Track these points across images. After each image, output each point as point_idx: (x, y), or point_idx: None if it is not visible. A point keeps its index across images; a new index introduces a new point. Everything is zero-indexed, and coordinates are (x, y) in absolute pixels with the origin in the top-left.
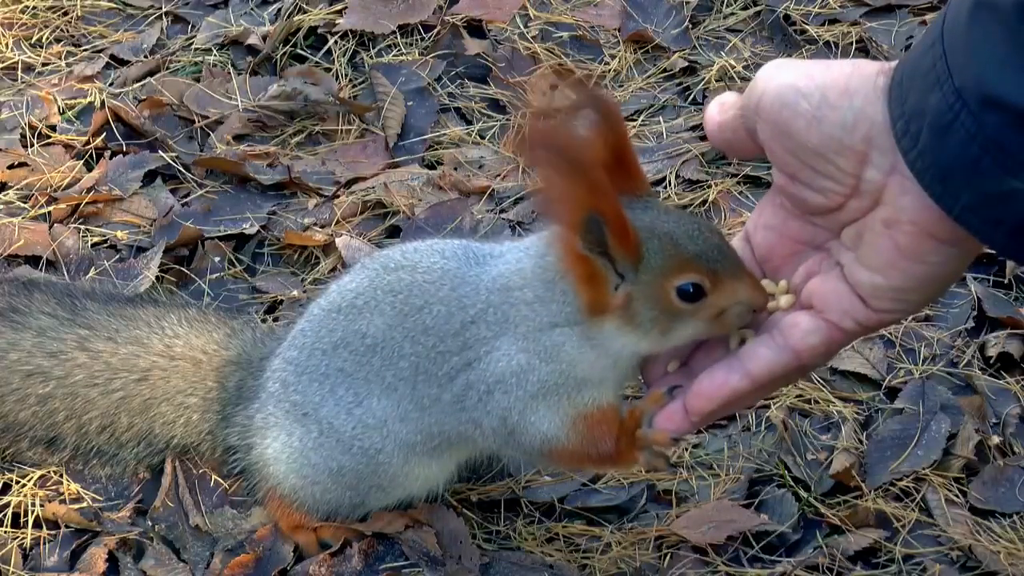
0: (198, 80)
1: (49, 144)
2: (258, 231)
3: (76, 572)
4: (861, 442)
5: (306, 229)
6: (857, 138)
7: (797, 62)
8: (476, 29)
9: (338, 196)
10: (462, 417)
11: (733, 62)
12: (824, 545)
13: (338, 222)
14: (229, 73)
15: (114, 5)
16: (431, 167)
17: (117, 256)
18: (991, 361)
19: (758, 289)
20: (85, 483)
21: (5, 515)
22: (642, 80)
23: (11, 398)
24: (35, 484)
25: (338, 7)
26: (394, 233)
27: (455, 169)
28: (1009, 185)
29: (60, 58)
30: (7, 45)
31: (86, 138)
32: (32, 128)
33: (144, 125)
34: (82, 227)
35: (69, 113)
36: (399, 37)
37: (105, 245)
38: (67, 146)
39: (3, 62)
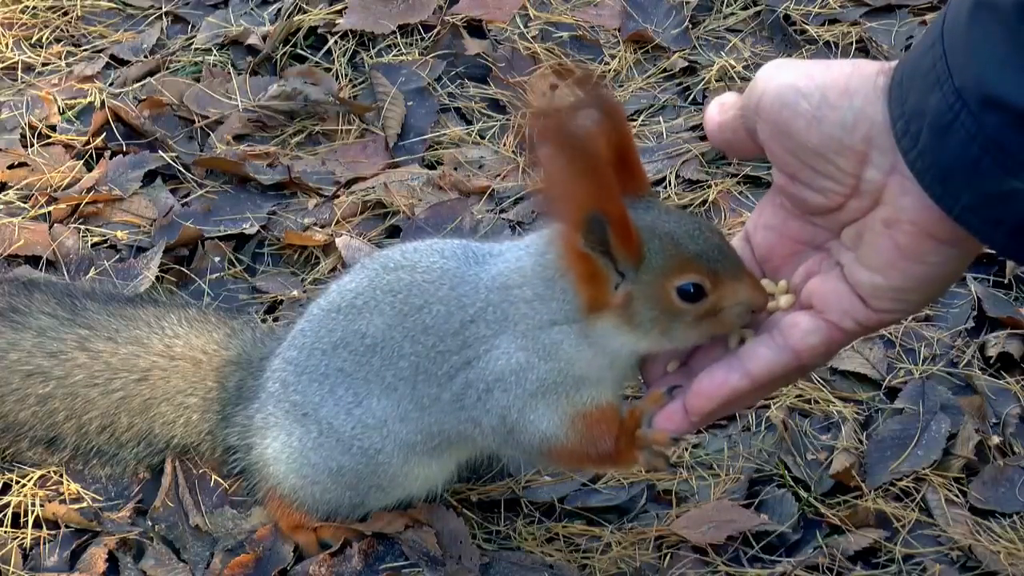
0: (198, 80)
1: (49, 144)
2: (258, 231)
3: (76, 572)
4: (861, 442)
5: (306, 229)
6: (857, 138)
7: (797, 62)
8: (476, 29)
9: (338, 196)
10: (461, 416)
11: (733, 62)
12: (824, 545)
13: (338, 222)
14: (229, 73)
15: (114, 5)
16: (431, 167)
17: (117, 256)
18: (991, 361)
19: (758, 290)
20: (85, 483)
21: (5, 515)
22: (642, 80)
23: (11, 398)
24: (35, 484)
25: (338, 7)
26: (394, 233)
27: (455, 169)
28: (1009, 185)
29: (60, 58)
30: (7, 45)
31: (86, 138)
32: (32, 128)
33: (144, 125)
34: (82, 227)
35: (69, 113)
36: (399, 37)
37: (105, 245)
38: (67, 146)
39: (3, 62)
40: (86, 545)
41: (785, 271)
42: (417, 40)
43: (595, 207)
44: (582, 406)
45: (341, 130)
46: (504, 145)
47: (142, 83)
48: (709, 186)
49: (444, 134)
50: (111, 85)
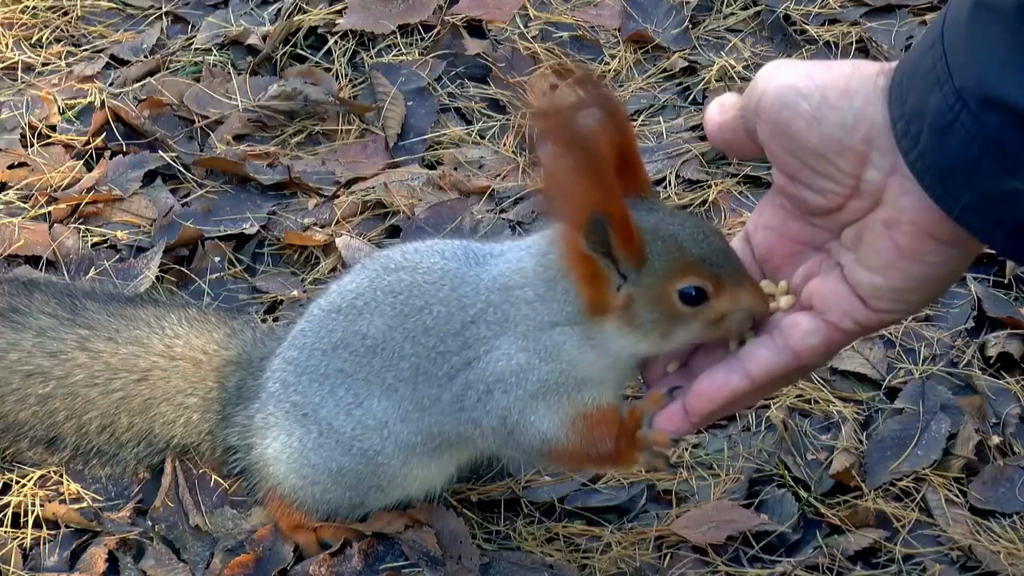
0: (198, 80)
1: (49, 144)
2: (258, 231)
3: (76, 572)
4: (861, 442)
5: (306, 229)
6: (857, 139)
7: (797, 63)
8: (476, 29)
9: (338, 196)
10: (462, 417)
11: (733, 62)
12: (824, 545)
13: (338, 222)
14: (229, 73)
15: (114, 5)
16: (431, 167)
17: (117, 256)
18: (991, 361)
19: (760, 296)
20: (85, 483)
21: (5, 515)
22: (642, 80)
23: (11, 398)
24: (35, 484)
25: (338, 7)
26: (394, 233)
27: (455, 169)
28: (1009, 185)
29: (60, 58)
30: (7, 45)
31: (86, 138)
32: (32, 128)
33: (144, 125)
34: (82, 227)
35: (69, 113)
36: (399, 37)
37: (105, 245)
38: (67, 146)
39: (3, 62)
40: (86, 545)
41: (785, 272)
42: (417, 40)
43: (597, 208)
44: (583, 407)
45: (341, 130)
46: (504, 145)
47: (142, 83)
48: (709, 186)
49: (444, 134)
50: (111, 85)
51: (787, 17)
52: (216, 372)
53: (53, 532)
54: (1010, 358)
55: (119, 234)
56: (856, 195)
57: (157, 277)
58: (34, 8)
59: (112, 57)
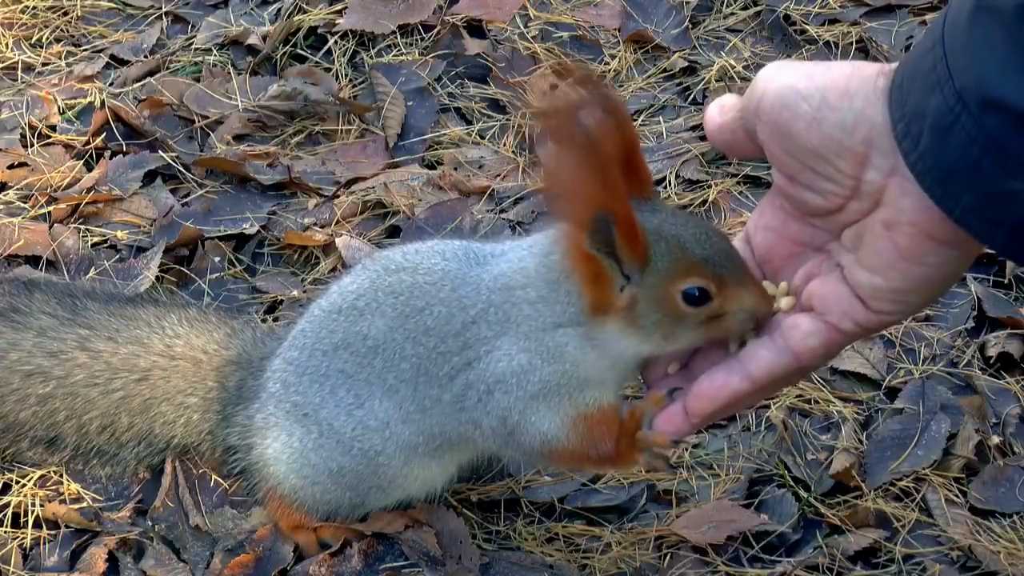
0: (198, 80)
1: (49, 144)
2: (258, 231)
3: (76, 572)
4: (861, 442)
5: (306, 229)
6: (857, 140)
7: (797, 63)
8: (476, 29)
9: (338, 196)
10: (462, 417)
11: (733, 62)
12: (824, 545)
13: (338, 222)
14: (229, 73)
15: (114, 5)
16: (431, 167)
17: (117, 256)
18: (991, 361)
19: (763, 296)
20: (85, 483)
21: (5, 515)
22: (642, 80)
23: (11, 398)
24: (35, 484)
25: (338, 7)
26: (394, 233)
27: (455, 169)
28: (1009, 186)
29: (60, 58)
30: (7, 45)
31: (86, 138)
32: (32, 128)
33: (144, 125)
34: (82, 227)
35: (69, 113)
36: (399, 37)
37: (105, 245)
38: (67, 146)
39: (3, 62)
40: (86, 545)
41: (785, 272)
42: (417, 40)
43: (602, 207)
44: (584, 408)
45: (341, 130)
46: (504, 145)
47: (142, 83)
48: (709, 186)
49: (444, 134)
50: (111, 85)
51: (787, 17)
52: (216, 372)
53: (53, 532)
54: (1010, 358)
55: (119, 234)
56: (856, 196)
57: (157, 277)
58: (34, 8)
59: (112, 57)
